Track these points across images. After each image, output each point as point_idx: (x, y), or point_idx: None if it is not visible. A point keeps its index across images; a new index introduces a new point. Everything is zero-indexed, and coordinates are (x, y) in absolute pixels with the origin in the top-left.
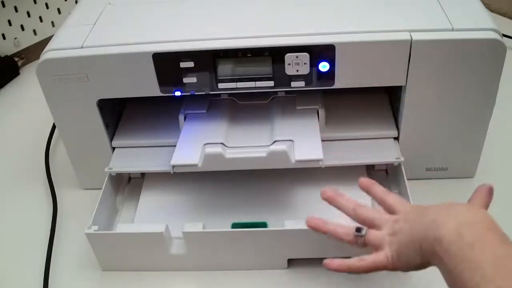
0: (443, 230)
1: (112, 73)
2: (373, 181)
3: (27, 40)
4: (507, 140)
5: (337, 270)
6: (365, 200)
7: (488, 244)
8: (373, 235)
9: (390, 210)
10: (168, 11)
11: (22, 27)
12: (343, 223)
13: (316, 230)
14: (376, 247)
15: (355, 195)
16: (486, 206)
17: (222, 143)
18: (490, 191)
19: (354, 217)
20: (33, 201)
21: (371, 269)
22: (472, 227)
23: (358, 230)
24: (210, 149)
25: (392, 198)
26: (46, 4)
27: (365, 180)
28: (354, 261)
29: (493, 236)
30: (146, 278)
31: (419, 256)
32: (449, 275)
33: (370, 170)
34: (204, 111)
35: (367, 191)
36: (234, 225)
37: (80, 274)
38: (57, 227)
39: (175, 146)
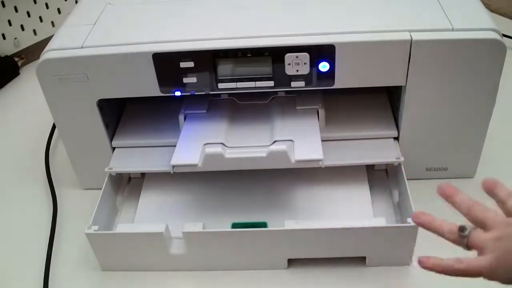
0: None
1: (112, 73)
2: (498, 181)
3: (27, 40)
4: (507, 140)
5: (432, 270)
6: (365, 199)
7: None
8: (477, 236)
9: (509, 214)
10: (168, 11)
11: (22, 27)
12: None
13: (422, 227)
14: (480, 250)
15: (355, 195)
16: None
17: (222, 143)
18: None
19: (467, 215)
20: (33, 201)
21: (467, 274)
22: None
23: (462, 229)
24: (210, 149)
25: (480, 209)
26: (46, 4)
27: (489, 181)
28: (451, 263)
29: None
30: (146, 278)
31: None
32: None
33: (370, 170)
34: (204, 111)
35: (490, 192)
36: (234, 225)
37: (80, 274)
38: (57, 227)
39: (175, 146)
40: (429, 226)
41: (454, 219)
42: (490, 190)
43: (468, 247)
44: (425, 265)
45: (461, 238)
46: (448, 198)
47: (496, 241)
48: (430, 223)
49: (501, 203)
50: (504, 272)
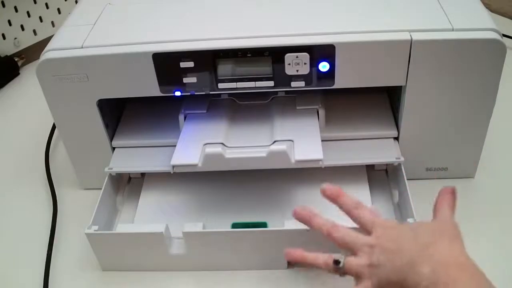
0: (420, 276)
1: (112, 73)
2: (340, 190)
3: (27, 40)
4: (507, 140)
5: None
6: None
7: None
8: (351, 264)
9: (361, 226)
10: (168, 11)
11: (22, 27)
12: (321, 255)
13: (295, 262)
14: (356, 277)
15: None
16: (453, 208)
17: (222, 143)
18: (453, 193)
19: (331, 240)
20: (33, 201)
21: None
22: (446, 270)
23: (336, 263)
24: (210, 149)
25: (364, 214)
26: (46, 4)
27: (330, 188)
28: None
29: (467, 278)
30: (146, 278)
31: None
32: None
33: (370, 170)
34: (204, 111)
35: (334, 201)
36: (234, 225)
37: (80, 274)
38: (57, 227)
39: (175, 146)
40: (302, 261)
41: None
42: (333, 199)
43: (344, 275)
44: None
45: (337, 270)
46: (310, 220)
47: (369, 268)
48: (304, 259)
49: (351, 215)
50: None
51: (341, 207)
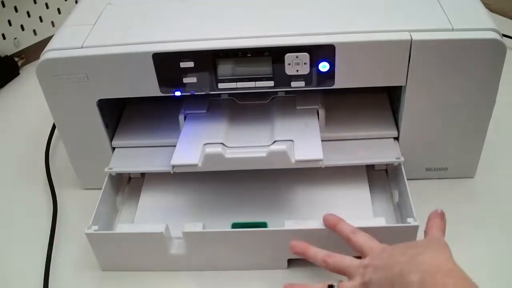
0: (410, 284)
1: (112, 73)
2: (340, 218)
3: (27, 40)
4: (507, 140)
5: None
6: (365, 199)
7: None
8: (345, 286)
9: (358, 251)
10: (168, 11)
11: (22, 27)
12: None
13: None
14: None
15: (355, 195)
16: (443, 231)
17: (222, 143)
18: (442, 216)
19: (326, 268)
20: (33, 201)
21: None
22: (434, 277)
23: (330, 287)
24: (210, 149)
25: (359, 238)
26: (46, 4)
27: (331, 218)
28: None
29: (454, 284)
30: (146, 278)
31: None
32: None
33: (370, 170)
34: (204, 111)
35: (333, 229)
36: (234, 225)
37: (80, 274)
38: (57, 227)
39: (175, 146)
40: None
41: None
42: (333, 228)
43: None
44: None
45: None
46: (305, 251)
47: (362, 286)
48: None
49: (348, 241)
50: None
51: (339, 234)
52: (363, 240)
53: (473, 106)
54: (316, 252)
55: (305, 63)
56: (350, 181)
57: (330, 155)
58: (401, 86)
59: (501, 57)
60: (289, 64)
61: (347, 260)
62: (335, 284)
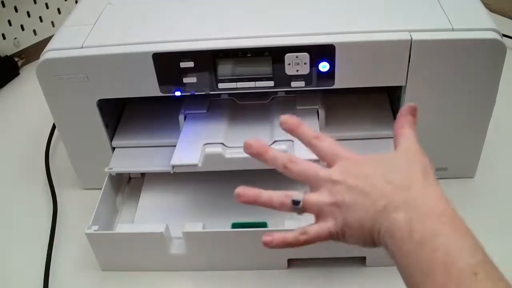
0: (394, 223)
1: (112, 73)
2: (300, 121)
3: (27, 40)
4: (507, 140)
5: (278, 247)
6: None
7: (440, 243)
8: (311, 201)
9: (323, 159)
10: (168, 11)
11: (22, 27)
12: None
13: (248, 203)
14: (316, 215)
15: None
16: (414, 124)
17: (222, 143)
18: (414, 113)
19: (287, 174)
20: (33, 201)
21: (313, 242)
22: (424, 221)
23: (295, 203)
24: (210, 149)
25: (325, 145)
26: (46, 4)
27: (290, 120)
28: (295, 236)
29: (447, 231)
30: (146, 278)
31: (369, 242)
32: (402, 271)
33: None
34: (204, 111)
35: (293, 132)
36: (234, 225)
37: (80, 274)
38: (57, 227)
39: (175, 146)
40: (255, 202)
41: None
42: (294, 130)
43: (303, 213)
44: (270, 245)
45: (295, 209)
46: (264, 155)
47: (332, 206)
48: (256, 200)
49: (310, 146)
50: (350, 241)
51: (300, 138)
52: (328, 146)
53: (473, 106)
54: (276, 156)
55: (305, 63)
56: None
57: None
58: (401, 86)
59: (501, 57)
60: (289, 64)
61: (313, 168)
62: (299, 198)
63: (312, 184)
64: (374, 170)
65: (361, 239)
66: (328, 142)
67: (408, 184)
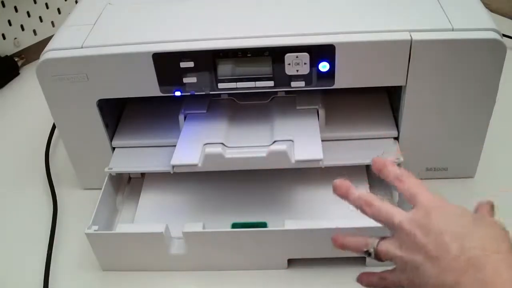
0: None
1: (112, 73)
2: (389, 161)
3: (27, 40)
4: (507, 140)
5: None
6: None
7: None
8: (382, 252)
9: (406, 201)
10: (168, 11)
11: (22, 27)
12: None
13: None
14: (391, 261)
15: None
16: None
17: (222, 143)
18: (491, 208)
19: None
20: (33, 201)
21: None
22: None
23: (367, 254)
24: (210, 149)
25: (405, 185)
26: (46, 4)
27: (378, 161)
28: (377, 281)
29: None
30: (146, 278)
31: None
32: None
33: (370, 170)
34: (204, 111)
35: (380, 173)
36: (234, 225)
37: (80, 274)
38: (57, 227)
39: (175, 146)
40: (345, 249)
41: None
42: (380, 170)
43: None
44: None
45: (368, 255)
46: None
47: (401, 261)
48: (344, 243)
49: (396, 184)
50: None
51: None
52: (409, 187)
53: (473, 105)
54: (354, 198)
55: (305, 63)
56: (350, 181)
57: (330, 155)
58: (401, 86)
59: (501, 57)
60: (289, 64)
61: (387, 213)
62: (371, 250)
63: (388, 228)
64: (445, 225)
65: None
66: (407, 184)
67: (483, 263)
